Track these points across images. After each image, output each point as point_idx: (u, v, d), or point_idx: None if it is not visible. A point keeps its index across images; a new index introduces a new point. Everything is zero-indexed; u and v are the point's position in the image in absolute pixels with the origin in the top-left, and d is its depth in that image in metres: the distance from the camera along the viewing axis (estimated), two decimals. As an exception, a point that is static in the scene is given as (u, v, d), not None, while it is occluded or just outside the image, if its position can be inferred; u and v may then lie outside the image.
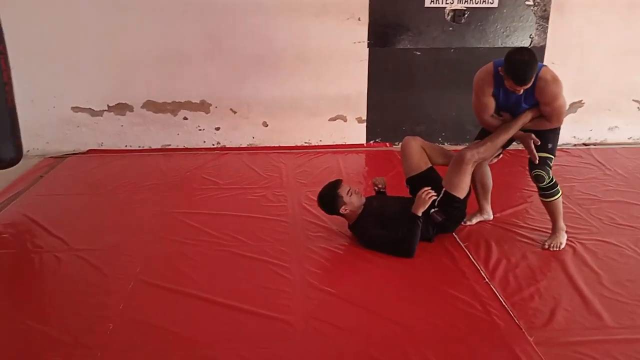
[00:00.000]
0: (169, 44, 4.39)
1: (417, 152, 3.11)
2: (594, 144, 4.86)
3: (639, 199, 3.62)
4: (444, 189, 2.94)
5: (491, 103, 2.89)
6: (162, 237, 3.12)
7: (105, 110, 4.55)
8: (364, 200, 3.01)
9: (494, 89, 2.84)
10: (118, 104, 4.54)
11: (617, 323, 2.35)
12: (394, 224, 2.94)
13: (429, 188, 2.90)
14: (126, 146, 4.65)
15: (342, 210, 2.96)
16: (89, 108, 4.54)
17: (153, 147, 4.66)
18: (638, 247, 2.97)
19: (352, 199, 2.96)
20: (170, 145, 4.67)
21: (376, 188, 3.25)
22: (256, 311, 2.41)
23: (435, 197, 2.89)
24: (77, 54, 4.37)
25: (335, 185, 2.99)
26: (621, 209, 3.45)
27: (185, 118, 4.61)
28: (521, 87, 2.67)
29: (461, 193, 2.92)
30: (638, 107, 4.84)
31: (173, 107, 4.58)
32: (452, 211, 2.95)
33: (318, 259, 2.88)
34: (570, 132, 4.74)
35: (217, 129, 4.66)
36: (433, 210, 2.92)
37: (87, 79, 4.46)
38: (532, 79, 2.64)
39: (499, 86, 2.81)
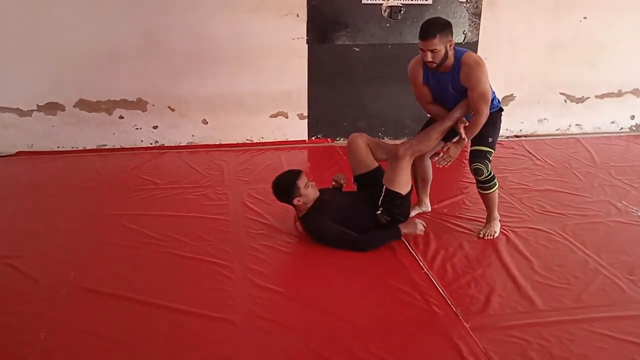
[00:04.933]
0: (101, 41, 4.23)
1: (364, 150, 3.12)
2: (525, 136, 5.07)
3: (566, 187, 3.81)
4: (384, 186, 2.96)
5: (426, 90, 2.98)
6: (99, 240, 3.02)
7: (35, 110, 4.34)
8: (317, 194, 3.01)
9: (423, 75, 2.92)
10: (48, 103, 4.34)
11: (547, 306, 2.47)
12: (345, 218, 2.96)
13: (423, 223, 2.97)
14: (58, 147, 4.46)
15: (295, 202, 2.95)
16: (17, 108, 4.32)
17: (87, 147, 4.49)
18: (566, 233, 3.13)
19: (308, 192, 2.95)
20: (105, 145, 4.52)
21: (337, 184, 3.25)
22: (198, 312, 2.38)
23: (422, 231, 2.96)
24: (3, 50, 4.15)
25: (295, 176, 2.96)
26: (550, 197, 3.62)
27: (121, 117, 4.47)
28: (426, 47, 2.69)
29: (402, 189, 2.94)
30: (565, 100, 5.09)
31: (108, 106, 4.42)
32: (395, 210, 2.97)
33: (261, 256, 2.86)
34: (502, 125, 4.87)
35: (155, 127, 4.55)
36: (378, 212, 2.96)
37: (14, 77, 4.23)
38: (435, 37, 2.66)
39: (427, 72, 2.89)
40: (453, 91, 2.89)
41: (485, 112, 2.85)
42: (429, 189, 3.34)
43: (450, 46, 2.74)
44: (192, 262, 2.79)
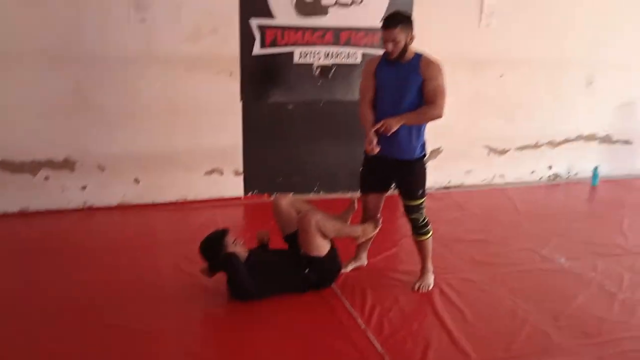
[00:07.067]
0: (27, 97, 4.09)
1: (287, 210, 3.16)
2: (454, 187, 5.29)
3: (493, 237, 3.98)
4: (302, 250, 2.99)
5: (370, 85, 3.01)
6: (12, 316, 2.79)
7: (-50, 172, 4.11)
8: (247, 253, 2.99)
9: (377, 67, 2.99)
10: (-34, 164, 4.13)
11: (480, 357, 2.52)
12: (274, 278, 2.96)
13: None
14: (-24, 211, 4.21)
15: None
16: None
17: (9, 211, 4.26)
18: (495, 281, 3.25)
19: (237, 250, 2.92)
20: (29, 208, 4.31)
21: (260, 241, 3.24)
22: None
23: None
24: None
25: (222, 234, 2.95)
26: (479, 247, 3.77)
27: (46, 178, 4.29)
28: (387, 37, 2.81)
29: (320, 252, 2.98)
30: (487, 152, 5.38)
31: (32, 167, 4.24)
32: (321, 268, 3.01)
33: (194, 322, 2.77)
34: (432, 177, 5.07)
35: (84, 187, 4.39)
36: (306, 271, 2.98)
37: None
38: (396, 28, 2.78)
39: (383, 64, 2.98)
40: (411, 86, 2.92)
41: (440, 105, 2.97)
42: (369, 244, 3.39)
43: (410, 40, 2.87)
44: (120, 331, 2.66)
